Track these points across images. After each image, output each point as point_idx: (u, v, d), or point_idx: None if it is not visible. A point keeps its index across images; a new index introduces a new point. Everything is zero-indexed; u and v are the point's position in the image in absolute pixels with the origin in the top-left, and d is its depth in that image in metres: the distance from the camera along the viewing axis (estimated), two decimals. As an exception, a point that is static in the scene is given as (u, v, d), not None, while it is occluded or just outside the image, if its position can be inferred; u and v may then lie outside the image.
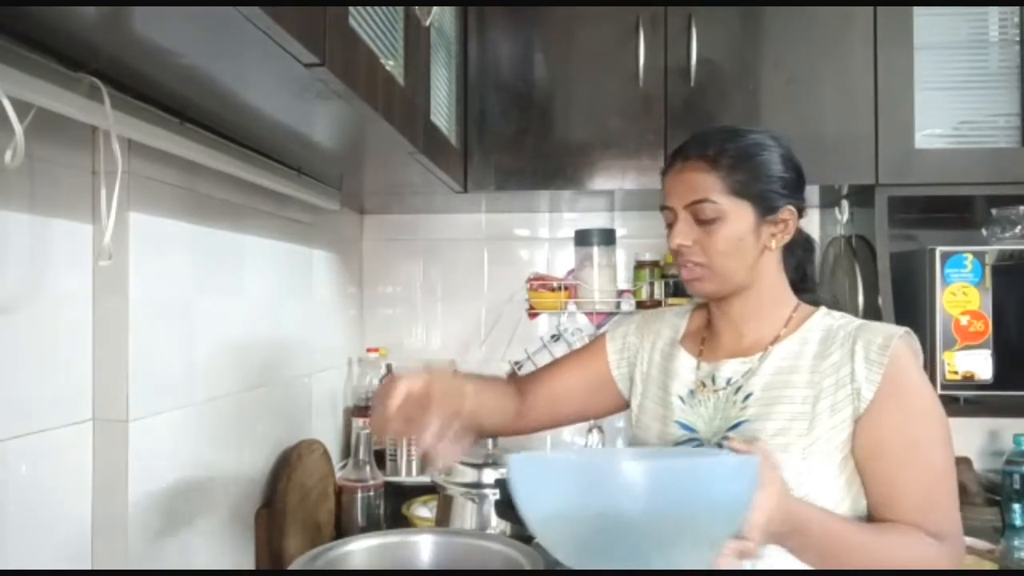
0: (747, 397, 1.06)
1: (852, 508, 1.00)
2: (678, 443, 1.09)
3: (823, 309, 1.11)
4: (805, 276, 1.16)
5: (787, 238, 1.09)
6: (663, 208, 1.10)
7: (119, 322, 1.04)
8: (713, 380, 1.10)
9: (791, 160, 1.09)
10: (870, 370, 1.00)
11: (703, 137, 1.08)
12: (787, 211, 1.07)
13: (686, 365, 1.14)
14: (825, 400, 1.02)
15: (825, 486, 0.99)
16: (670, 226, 1.09)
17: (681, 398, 1.12)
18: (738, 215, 1.04)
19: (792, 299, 1.12)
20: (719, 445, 1.05)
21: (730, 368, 1.09)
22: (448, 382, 0.99)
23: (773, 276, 1.10)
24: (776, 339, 1.09)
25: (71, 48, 0.81)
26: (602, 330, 2.05)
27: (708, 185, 1.04)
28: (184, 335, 1.20)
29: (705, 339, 1.16)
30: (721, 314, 1.13)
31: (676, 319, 1.22)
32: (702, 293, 1.10)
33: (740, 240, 1.05)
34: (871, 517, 1.00)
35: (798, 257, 1.15)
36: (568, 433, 2.06)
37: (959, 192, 1.66)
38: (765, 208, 1.05)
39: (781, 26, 1.70)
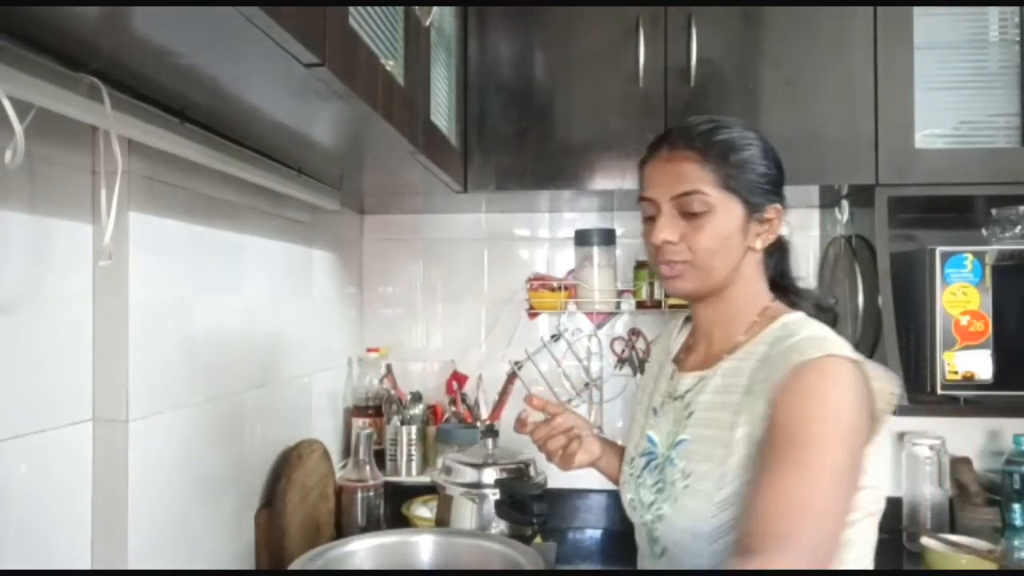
0: (691, 415, 1.03)
1: None
2: (643, 454, 1.10)
3: (783, 319, 1.02)
4: (783, 275, 1.12)
5: (771, 238, 1.05)
6: (642, 200, 1.06)
7: (119, 322, 1.05)
8: (677, 392, 1.08)
9: (774, 156, 1.06)
10: (774, 393, 0.92)
11: (690, 127, 1.03)
12: (772, 209, 1.04)
13: (666, 375, 1.13)
14: (746, 427, 0.94)
15: (738, 518, 0.91)
16: (649, 219, 1.05)
17: (654, 409, 1.11)
18: (727, 210, 1.00)
19: (761, 305, 1.06)
20: (668, 460, 1.04)
21: (687, 381, 1.07)
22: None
23: (749, 280, 1.06)
24: (734, 348, 1.04)
25: (71, 48, 0.81)
26: (601, 330, 2.06)
27: (698, 176, 1.00)
28: (184, 335, 1.20)
29: (690, 347, 1.14)
30: (696, 320, 1.11)
31: (678, 333, 1.19)
32: (680, 292, 1.06)
33: (727, 237, 1.01)
34: None
35: (775, 259, 1.11)
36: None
37: (959, 192, 1.65)
38: (752, 205, 1.02)
39: (781, 26, 1.69)
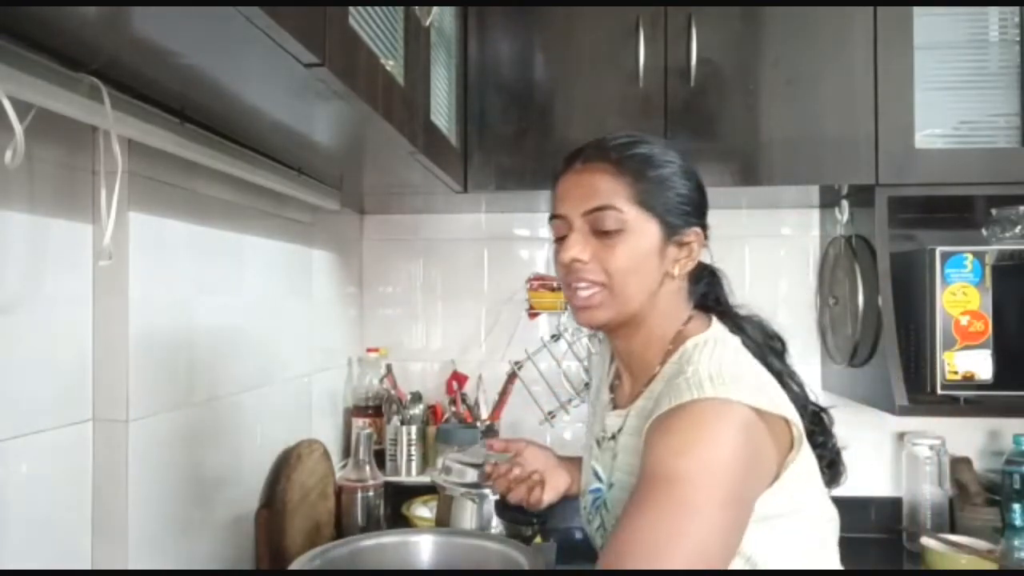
0: (616, 458, 0.98)
1: None
2: (591, 491, 1.05)
3: (686, 345, 0.95)
4: (719, 302, 1.04)
5: (691, 265, 0.97)
6: (553, 217, 0.97)
7: (119, 322, 1.05)
8: (607, 432, 1.02)
9: (696, 178, 0.99)
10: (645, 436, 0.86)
11: (606, 140, 0.98)
12: (692, 233, 0.96)
13: (602, 405, 1.09)
14: None
15: None
16: (560, 239, 0.96)
17: (598, 442, 1.05)
18: (643, 230, 0.93)
19: (676, 330, 0.98)
20: (605, 503, 1.00)
21: (613, 421, 1.01)
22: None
23: (667, 308, 0.97)
24: (649, 381, 0.97)
25: (71, 48, 0.81)
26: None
27: (612, 190, 0.93)
28: (184, 335, 1.20)
29: (619, 375, 1.07)
30: (615, 352, 1.04)
31: (611, 361, 1.11)
32: (595, 322, 0.96)
33: (644, 258, 0.93)
34: None
35: (703, 285, 1.03)
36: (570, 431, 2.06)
37: (959, 192, 1.65)
38: (670, 227, 0.94)
39: (781, 26, 1.69)
